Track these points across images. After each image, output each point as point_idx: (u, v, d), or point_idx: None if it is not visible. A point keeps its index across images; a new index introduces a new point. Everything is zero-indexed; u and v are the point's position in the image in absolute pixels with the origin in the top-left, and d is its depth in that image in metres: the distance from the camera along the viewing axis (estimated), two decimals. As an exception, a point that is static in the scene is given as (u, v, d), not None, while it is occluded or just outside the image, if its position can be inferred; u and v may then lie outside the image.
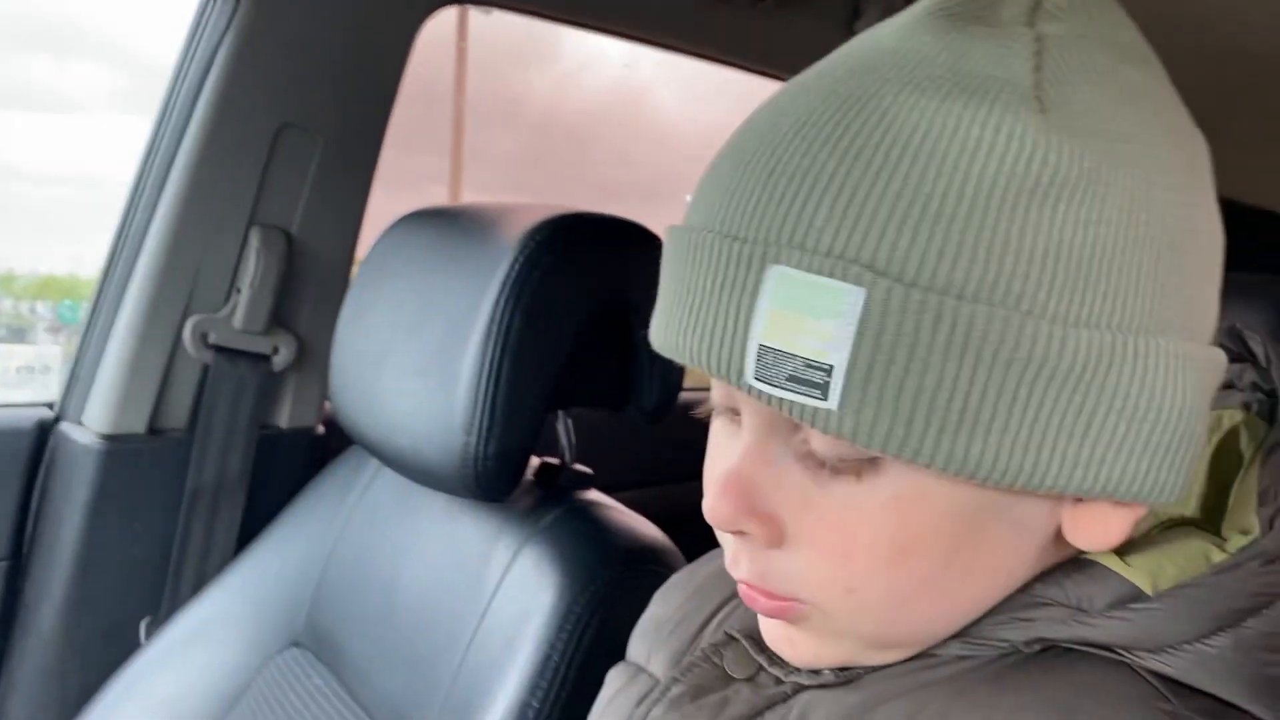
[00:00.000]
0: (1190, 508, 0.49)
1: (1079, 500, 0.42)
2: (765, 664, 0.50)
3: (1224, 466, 0.49)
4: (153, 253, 1.08)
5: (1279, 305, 1.37)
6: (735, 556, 0.45)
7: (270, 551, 1.05)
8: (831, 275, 0.36)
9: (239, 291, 1.12)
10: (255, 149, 1.09)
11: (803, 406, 0.37)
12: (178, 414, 1.12)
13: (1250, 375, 0.49)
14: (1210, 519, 0.46)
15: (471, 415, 0.78)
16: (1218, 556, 0.42)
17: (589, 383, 0.89)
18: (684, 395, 1.54)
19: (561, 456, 0.91)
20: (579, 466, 0.91)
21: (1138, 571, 0.42)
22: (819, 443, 0.40)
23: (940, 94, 0.37)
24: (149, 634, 1.09)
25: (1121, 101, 0.39)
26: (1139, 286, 0.38)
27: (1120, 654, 0.41)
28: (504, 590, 0.80)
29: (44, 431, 1.13)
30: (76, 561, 1.08)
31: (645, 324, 0.85)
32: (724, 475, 0.43)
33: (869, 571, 0.41)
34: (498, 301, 0.78)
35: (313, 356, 1.18)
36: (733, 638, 0.52)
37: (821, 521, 0.41)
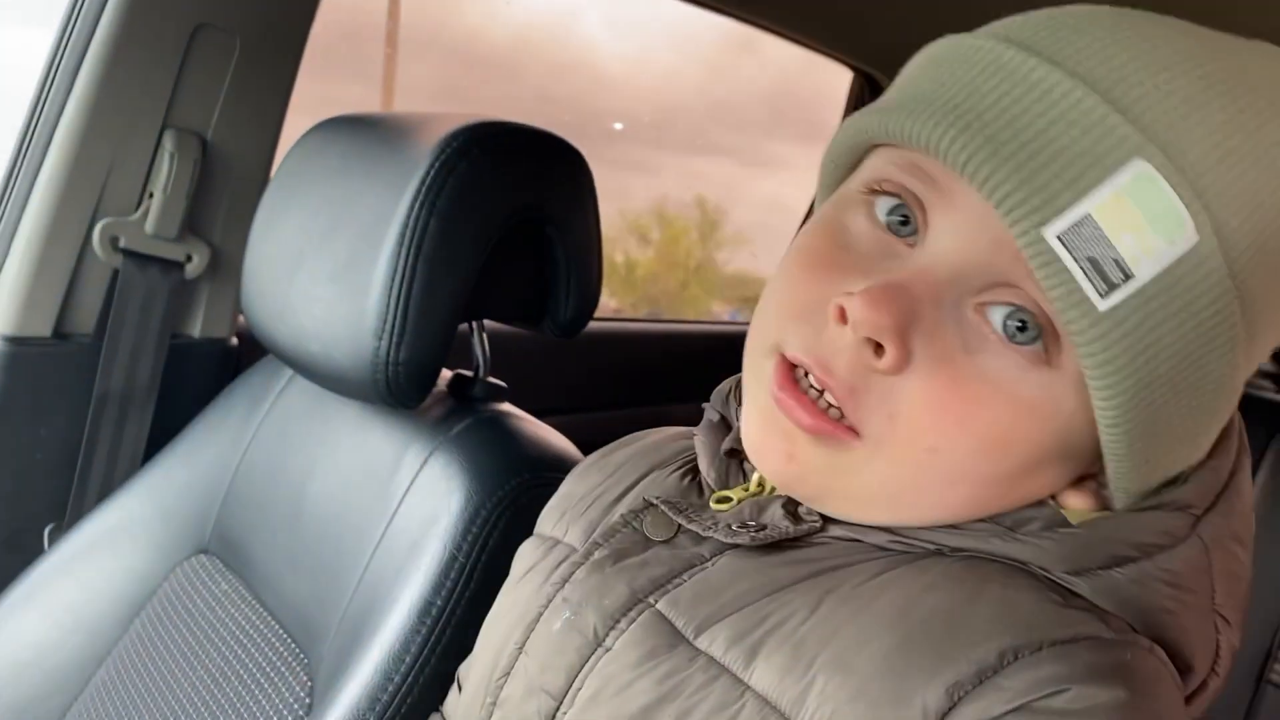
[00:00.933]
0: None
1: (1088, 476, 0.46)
2: (684, 523, 0.51)
3: None
4: (60, 152, 1.05)
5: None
6: (833, 358, 0.43)
7: (179, 459, 1.04)
8: (1188, 206, 0.38)
9: (151, 196, 1.09)
10: (169, 49, 1.06)
11: (1074, 290, 0.38)
12: (85, 318, 1.09)
13: None
14: None
15: (382, 321, 0.78)
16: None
17: (504, 295, 0.89)
18: (600, 327, 1.55)
19: (476, 369, 0.92)
20: (493, 379, 0.92)
21: (1069, 509, 0.46)
22: (1027, 299, 0.41)
23: None
24: (52, 541, 1.07)
25: None
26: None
27: (1031, 568, 0.44)
28: (411, 496, 0.81)
29: (-56, 333, 1.10)
30: (-23, 466, 1.06)
31: (563, 237, 0.86)
32: (892, 284, 0.42)
33: (965, 445, 0.42)
34: (412, 207, 0.78)
35: (228, 266, 1.16)
36: (651, 503, 0.54)
37: (953, 382, 0.42)
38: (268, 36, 1.10)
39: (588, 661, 0.49)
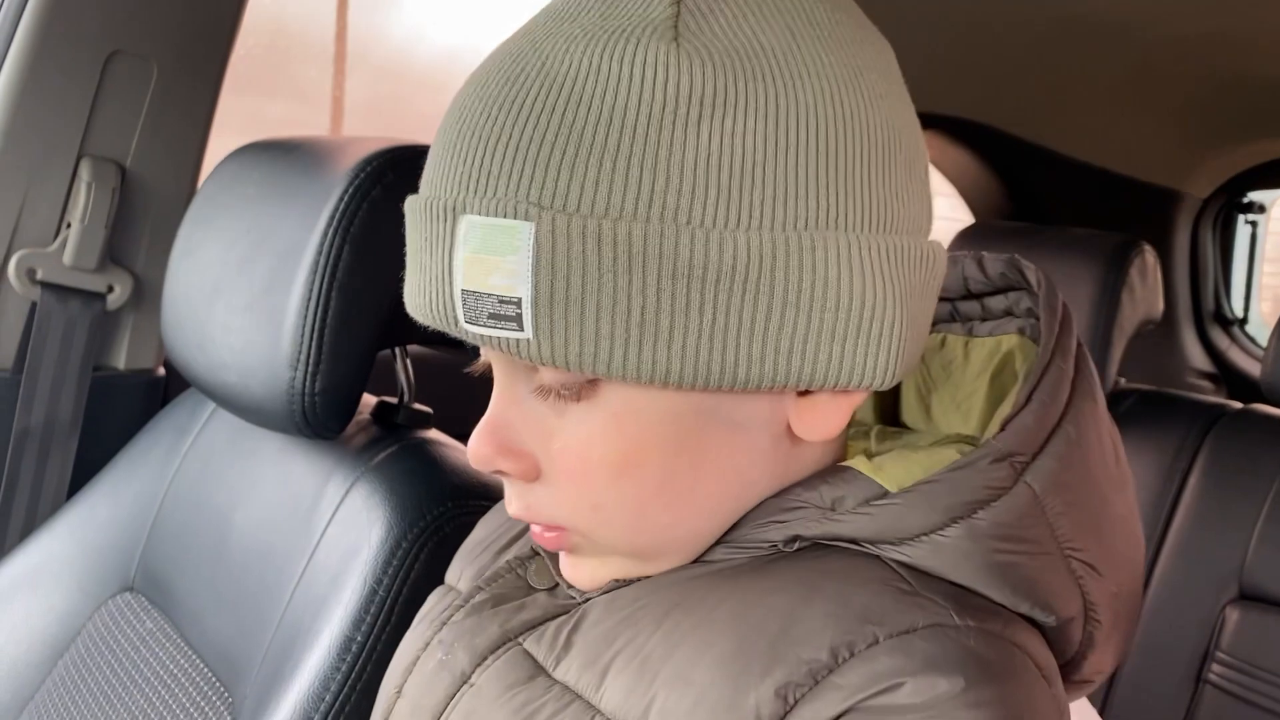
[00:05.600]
0: (970, 426, 0.51)
1: (801, 395, 0.44)
2: (563, 581, 0.52)
3: (1002, 388, 0.51)
4: (-27, 184, 1.03)
5: (1105, 254, 1.44)
6: (509, 496, 0.48)
7: (103, 495, 1.02)
8: (505, 215, 0.40)
9: (69, 226, 1.07)
10: (83, 77, 1.04)
11: (506, 339, 0.41)
12: (3, 353, 1.07)
13: (1025, 302, 0.51)
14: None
15: (297, 350, 0.76)
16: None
17: (426, 320, 0.88)
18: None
19: (400, 395, 0.90)
20: (418, 406, 0.90)
21: (887, 475, 0.45)
22: (546, 374, 0.44)
23: (587, 39, 0.41)
24: (-26, 582, 1.04)
25: (763, 22, 0.42)
26: (798, 188, 0.40)
27: (866, 546, 0.44)
28: (334, 528, 0.79)
29: None
30: (-106, 508, 1.03)
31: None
32: (482, 421, 0.46)
33: (605, 486, 0.44)
34: (326, 234, 0.77)
35: (152, 295, 1.14)
36: (536, 552, 0.54)
37: (563, 448, 0.45)
38: (185, 62, 1.09)
39: (453, 699, 0.50)
